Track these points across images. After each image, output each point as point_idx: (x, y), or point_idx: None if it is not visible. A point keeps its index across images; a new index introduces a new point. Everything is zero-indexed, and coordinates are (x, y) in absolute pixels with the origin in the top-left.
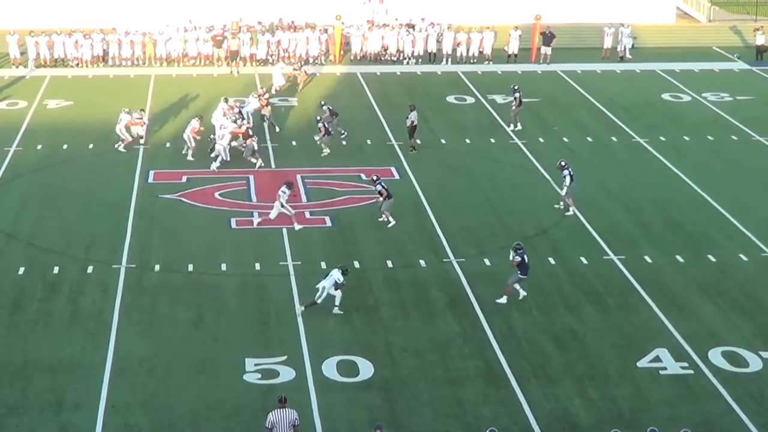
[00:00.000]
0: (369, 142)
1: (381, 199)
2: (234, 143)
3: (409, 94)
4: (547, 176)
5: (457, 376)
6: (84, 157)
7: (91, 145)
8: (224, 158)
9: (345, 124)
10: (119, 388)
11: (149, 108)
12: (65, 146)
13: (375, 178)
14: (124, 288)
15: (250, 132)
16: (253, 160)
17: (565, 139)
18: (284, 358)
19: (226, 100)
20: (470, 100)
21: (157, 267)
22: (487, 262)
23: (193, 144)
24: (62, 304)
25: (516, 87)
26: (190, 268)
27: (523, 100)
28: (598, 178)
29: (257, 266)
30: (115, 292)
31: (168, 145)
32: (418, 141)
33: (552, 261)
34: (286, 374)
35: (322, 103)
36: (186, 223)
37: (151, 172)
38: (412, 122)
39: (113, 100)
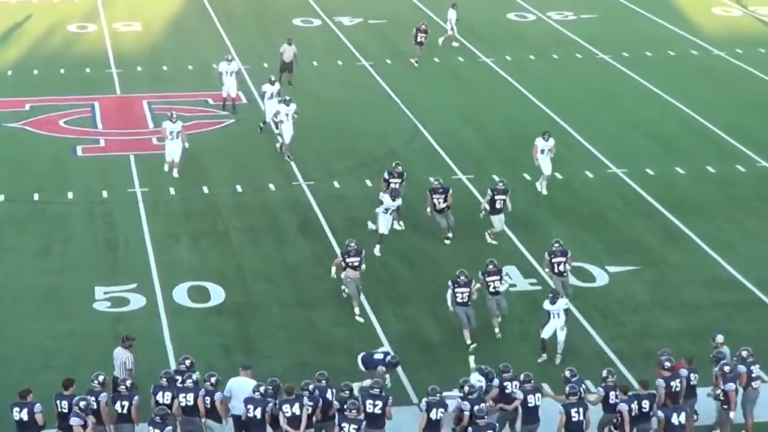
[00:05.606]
0: (214, 66)
1: None
2: None
3: (255, 17)
4: (395, 98)
5: (310, 299)
6: None
7: None
8: None
9: (190, 46)
10: None
11: None
12: None
13: None
14: None
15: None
16: None
17: (412, 60)
18: (134, 285)
19: None
20: (317, 22)
21: (1, 197)
22: (336, 184)
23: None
24: None
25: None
26: (36, 197)
27: (370, 22)
28: (446, 98)
29: (104, 194)
30: None
31: (9, 73)
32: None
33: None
34: (137, 302)
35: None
36: (30, 151)
37: None
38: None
39: None
